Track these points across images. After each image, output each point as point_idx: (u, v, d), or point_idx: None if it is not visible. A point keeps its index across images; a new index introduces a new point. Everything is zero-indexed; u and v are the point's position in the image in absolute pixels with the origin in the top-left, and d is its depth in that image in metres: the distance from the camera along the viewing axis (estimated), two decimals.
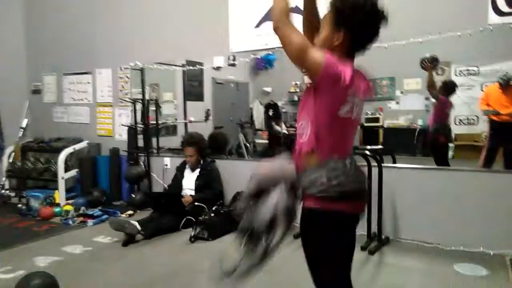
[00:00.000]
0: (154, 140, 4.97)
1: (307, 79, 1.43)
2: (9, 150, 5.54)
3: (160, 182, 4.74)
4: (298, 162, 1.43)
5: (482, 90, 5.63)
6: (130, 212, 4.46)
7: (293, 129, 7.17)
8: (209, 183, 4.13)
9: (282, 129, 7.48)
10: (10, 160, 5.51)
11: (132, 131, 4.86)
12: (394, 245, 3.44)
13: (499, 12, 3.13)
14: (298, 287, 2.48)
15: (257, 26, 4.23)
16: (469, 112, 6.12)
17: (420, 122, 6.93)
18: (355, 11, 1.36)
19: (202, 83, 6.07)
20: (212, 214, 3.78)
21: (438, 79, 5.27)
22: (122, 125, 5.05)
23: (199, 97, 6.09)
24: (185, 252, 3.38)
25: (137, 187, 4.82)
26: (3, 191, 5.35)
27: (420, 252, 3.25)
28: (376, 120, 7.63)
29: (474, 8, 3.30)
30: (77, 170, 5.11)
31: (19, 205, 4.69)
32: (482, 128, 5.39)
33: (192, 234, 3.60)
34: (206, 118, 5.99)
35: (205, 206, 3.91)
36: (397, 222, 3.59)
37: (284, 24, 1.34)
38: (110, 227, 3.61)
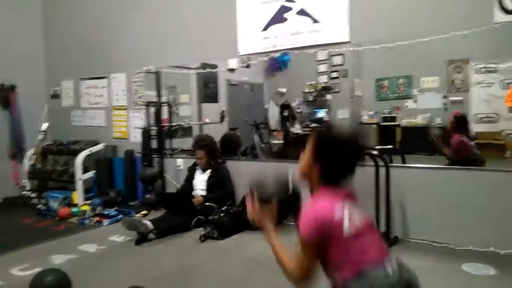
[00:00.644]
0: (170, 141, 5.08)
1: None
2: (30, 152, 5.75)
3: (173, 183, 4.85)
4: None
5: (503, 88, 5.51)
6: (144, 212, 4.57)
7: (308, 129, 7.19)
8: (220, 184, 4.20)
9: (297, 129, 7.50)
10: (31, 162, 5.72)
11: (145, 133, 4.98)
12: (403, 245, 3.44)
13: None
14: None
15: (265, 29, 4.29)
16: (489, 109, 6.00)
17: (438, 121, 6.83)
18: (331, 149, 1.43)
19: (217, 85, 6.16)
20: (222, 214, 3.86)
21: (457, 77, 5.20)
22: (136, 127, 5.18)
23: (214, 99, 6.18)
24: (195, 251, 3.45)
25: (151, 188, 4.93)
26: (24, 192, 5.55)
27: (429, 251, 3.24)
28: (393, 119, 7.55)
29: (489, 4, 3.25)
30: (94, 171, 5.27)
31: (39, 206, 4.87)
32: (504, 125, 5.28)
33: (202, 233, 3.67)
34: (221, 120, 6.07)
35: (215, 206, 3.99)
36: (406, 222, 3.58)
37: (301, 276, 1.42)
38: (123, 227, 3.72)
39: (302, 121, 7.88)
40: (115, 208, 4.67)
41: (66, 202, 4.89)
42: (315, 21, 4.01)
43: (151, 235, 3.71)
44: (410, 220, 3.56)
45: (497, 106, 4.95)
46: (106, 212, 4.52)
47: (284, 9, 4.17)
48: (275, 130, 7.79)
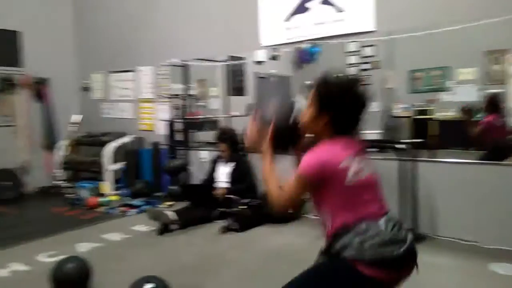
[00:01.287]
0: (195, 134, 5.13)
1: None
2: (62, 143, 5.95)
3: (197, 175, 4.89)
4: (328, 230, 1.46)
5: None
6: (169, 202, 4.63)
7: None
8: (242, 176, 4.19)
9: None
10: (64, 153, 5.91)
11: (171, 125, 5.04)
12: (430, 242, 3.32)
13: None
14: None
15: (287, 19, 4.22)
16: None
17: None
18: (338, 98, 1.42)
19: (244, 78, 6.14)
20: (244, 207, 3.85)
21: (495, 69, 4.94)
22: (162, 120, 5.25)
23: (242, 91, 6.17)
24: (215, 242, 3.47)
25: (177, 179, 4.99)
26: (57, 182, 5.76)
27: (457, 250, 3.12)
28: (427, 112, 7.29)
29: None
30: (122, 162, 5.39)
31: (69, 195, 5.04)
32: None
33: (223, 225, 3.69)
34: (249, 113, 6.05)
35: (237, 199, 3.99)
36: (434, 219, 3.46)
37: (270, 183, 1.50)
38: (147, 217, 3.79)
39: None
40: (141, 198, 4.77)
41: (95, 192, 5.04)
42: (339, 10, 3.90)
43: (174, 226, 3.76)
44: (437, 216, 3.43)
45: None
46: (132, 202, 4.63)
47: None
48: None
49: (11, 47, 5.51)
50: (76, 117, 6.14)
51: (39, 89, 5.81)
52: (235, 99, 5.65)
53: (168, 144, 5.10)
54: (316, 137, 1.49)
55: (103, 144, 5.48)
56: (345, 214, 1.38)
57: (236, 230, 3.64)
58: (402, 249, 1.35)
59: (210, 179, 4.36)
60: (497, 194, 3.11)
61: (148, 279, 2.24)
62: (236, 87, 5.85)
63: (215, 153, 4.54)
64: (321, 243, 1.49)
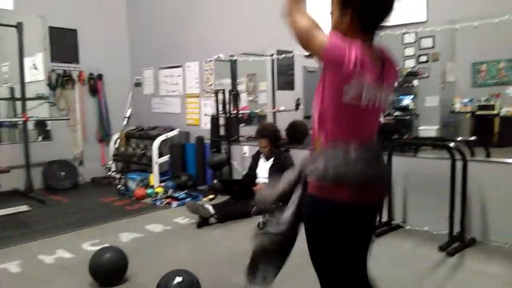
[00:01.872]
0: (239, 129, 5.15)
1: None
2: (115, 137, 6.23)
3: (239, 170, 4.90)
4: (311, 146, 1.40)
5: None
6: (211, 196, 4.70)
7: (391, 117, 6.79)
8: (282, 172, 4.12)
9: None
10: (116, 146, 6.20)
11: (214, 120, 5.09)
12: (480, 247, 3.08)
13: None
14: None
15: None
16: None
17: None
18: None
19: (293, 72, 6.06)
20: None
21: None
22: (206, 114, 5.32)
23: (290, 86, 6.09)
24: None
25: (219, 173, 5.05)
26: (109, 173, 6.06)
27: (510, 257, 2.85)
28: (491, 107, 6.77)
29: None
30: (169, 155, 5.54)
31: (119, 186, 5.27)
32: None
33: (261, 221, 3.66)
34: (296, 107, 5.97)
35: None
36: (486, 222, 3.20)
37: (295, 11, 1.30)
38: (187, 210, 3.86)
39: (385, 109, 7.45)
40: (185, 191, 4.87)
41: (143, 184, 5.23)
42: None
43: (213, 220, 3.80)
44: (490, 220, 3.17)
45: None
46: (176, 195, 4.74)
47: None
48: None
49: (69, 45, 5.84)
50: (128, 112, 6.42)
51: (94, 84, 6.13)
52: (283, 93, 5.59)
53: (212, 138, 5.16)
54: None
55: (151, 137, 5.68)
56: (339, 131, 1.30)
57: None
58: (373, 173, 1.31)
59: (251, 175, 4.36)
60: None
61: (178, 273, 2.27)
62: (284, 81, 5.78)
63: (257, 149, 4.52)
64: None
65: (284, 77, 5.74)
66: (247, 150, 4.88)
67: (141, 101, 6.48)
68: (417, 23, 3.61)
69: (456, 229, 3.13)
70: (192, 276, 2.28)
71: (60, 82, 5.77)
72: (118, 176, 5.90)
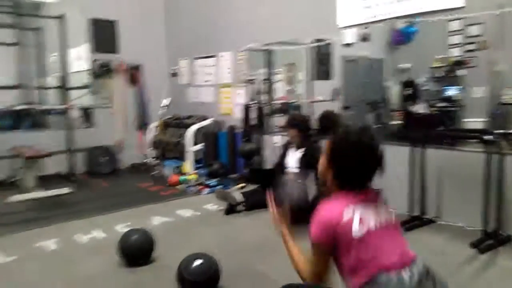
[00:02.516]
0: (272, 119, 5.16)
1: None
2: (153, 125, 6.44)
3: (270, 159, 4.93)
4: None
5: None
6: (241, 184, 4.77)
7: (435, 108, 6.55)
8: (311, 163, 4.10)
9: (421, 109, 6.85)
10: (154, 134, 6.41)
11: (246, 110, 5.14)
12: None
13: None
14: None
15: None
16: None
17: None
18: (341, 152, 1.40)
19: (331, 61, 5.96)
20: None
21: None
22: (238, 104, 5.38)
23: (328, 75, 6.00)
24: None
25: (250, 162, 5.10)
26: (147, 160, 6.28)
27: None
28: None
29: None
30: (202, 144, 5.67)
31: (154, 172, 5.46)
32: None
33: None
34: (334, 98, 5.88)
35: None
36: None
37: (314, 278, 1.43)
38: (216, 197, 3.95)
39: (428, 100, 7.16)
40: (217, 179, 4.97)
41: (177, 171, 5.39)
42: None
43: (240, 207, 3.86)
44: None
45: None
46: (208, 182, 4.86)
47: None
48: (394, 110, 7.25)
49: (109, 36, 6.07)
50: (165, 101, 6.60)
51: (133, 74, 6.34)
52: (320, 83, 5.52)
53: (243, 128, 5.21)
54: (329, 190, 1.46)
55: (186, 126, 5.81)
56: (362, 271, 1.29)
57: None
58: None
59: (281, 164, 4.36)
60: None
61: (198, 256, 2.35)
62: (322, 71, 5.70)
63: (287, 138, 4.51)
64: None
65: (322, 66, 5.66)
66: (279, 140, 4.89)
67: (178, 91, 6.63)
68: (453, 9, 3.43)
69: (492, 225, 3.00)
70: (211, 260, 2.34)
71: (101, 72, 6.02)
72: (154, 162, 6.11)
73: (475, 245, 2.92)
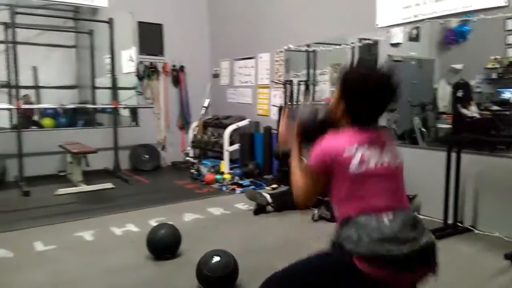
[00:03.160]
0: None
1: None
2: (194, 125, 6.65)
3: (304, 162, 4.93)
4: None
5: None
6: (274, 185, 4.82)
7: (488, 112, 6.20)
8: None
9: (472, 112, 6.53)
10: (194, 133, 6.62)
11: (281, 111, 5.16)
12: None
13: None
14: None
15: None
16: None
17: None
18: (355, 86, 1.37)
19: (377, 61, 5.85)
20: None
21: None
22: (273, 105, 5.42)
23: None
24: (303, 229, 3.51)
25: (285, 164, 5.12)
26: (187, 158, 6.50)
27: None
28: None
29: None
30: (239, 144, 5.78)
31: (192, 171, 5.65)
32: None
33: (316, 213, 3.68)
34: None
35: None
36: None
37: (301, 196, 1.49)
38: (246, 197, 4.03)
39: (481, 102, 6.81)
40: (251, 179, 5.06)
41: (214, 170, 5.53)
42: None
43: (269, 208, 3.91)
44: None
45: None
46: (241, 182, 4.96)
47: None
48: (444, 113, 6.95)
49: (155, 38, 6.35)
50: (206, 101, 6.80)
51: (177, 75, 6.60)
52: None
53: (277, 128, 5.25)
54: (338, 125, 1.45)
55: (225, 126, 5.95)
56: (349, 205, 1.35)
57: (328, 220, 3.60)
58: (404, 250, 1.24)
59: None
60: None
61: (217, 253, 2.43)
62: None
63: None
64: None
65: None
66: None
67: (218, 91, 6.80)
68: (495, 8, 3.29)
69: None
70: (229, 257, 2.42)
71: (147, 73, 6.32)
72: (194, 161, 6.31)
73: (509, 256, 2.78)
